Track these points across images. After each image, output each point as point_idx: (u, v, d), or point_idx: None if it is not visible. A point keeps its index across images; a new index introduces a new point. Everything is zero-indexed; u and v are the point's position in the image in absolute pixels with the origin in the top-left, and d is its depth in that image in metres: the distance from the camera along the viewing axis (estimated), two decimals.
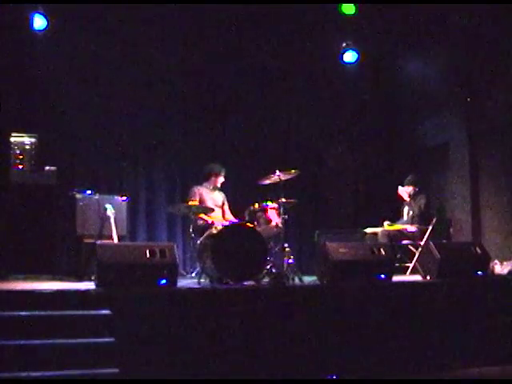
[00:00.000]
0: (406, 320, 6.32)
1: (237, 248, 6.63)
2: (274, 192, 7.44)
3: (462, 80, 9.24)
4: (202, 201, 7.76)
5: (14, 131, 7.98)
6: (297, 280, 7.07)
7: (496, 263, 7.73)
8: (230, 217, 7.96)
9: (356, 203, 10.14)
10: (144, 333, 5.46)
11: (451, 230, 8.98)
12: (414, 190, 8.59)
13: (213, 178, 7.95)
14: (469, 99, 9.15)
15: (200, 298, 5.93)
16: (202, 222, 7.58)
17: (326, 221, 9.67)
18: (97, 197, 7.55)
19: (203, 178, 8.01)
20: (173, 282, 5.94)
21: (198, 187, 7.92)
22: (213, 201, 7.90)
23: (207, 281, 6.79)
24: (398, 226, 8.42)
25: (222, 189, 8.10)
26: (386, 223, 8.43)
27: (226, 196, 8.16)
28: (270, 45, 9.55)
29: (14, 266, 7.42)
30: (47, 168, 7.94)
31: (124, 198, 7.88)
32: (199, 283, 6.63)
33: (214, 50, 9.36)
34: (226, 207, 8.09)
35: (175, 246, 6.19)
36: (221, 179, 7.97)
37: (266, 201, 7.31)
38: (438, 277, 6.85)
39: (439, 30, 9.26)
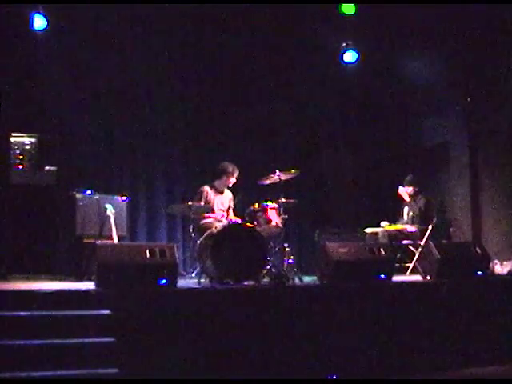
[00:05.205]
0: (406, 320, 6.32)
1: (237, 248, 6.63)
2: (274, 192, 7.44)
3: (462, 80, 9.24)
4: (207, 203, 7.68)
5: (14, 131, 7.98)
6: (297, 280, 7.07)
7: (496, 263, 7.74)
8: (232, 217, 7.79)
9: (356, 203, 10.12)
10: (144, 333, 5.46)
11: (451, 229, 8.99)
12: (414, 190, 8.58)
13: (224, 178, 7.79)
14: (469, 99, 9.14)
15: (200, 298, 5.93)
16: (204, 221, 7.52)
17: (326, 221, 9.66)
18: (97, 197, 7.54)
19: (215, 175, 7.87)
20: (173, 282, 5.93)
21: (207, 188, 7.80)
22: (219, 204, 7.80)
23: (207, 281, 6.79)
24: (397, 226, 8.41)
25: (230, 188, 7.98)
26: (383, 223, 8.40)
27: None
28: (269, 45, 9.55)
29: (14, 265, 7.43)
30: (47, 168, 7.95)
31: (124, 197, 7.87)
32: (199, 283, 6.63)
33: (213, 50, 9.36)
34: (231, 210, 7.95)
35: (175, 246, 6.19)
36: (232, 180, 7.82)
37: (266, 201, 7.31)
38: (438, 277, 6.85)
39: (439, 29, 9.25)
